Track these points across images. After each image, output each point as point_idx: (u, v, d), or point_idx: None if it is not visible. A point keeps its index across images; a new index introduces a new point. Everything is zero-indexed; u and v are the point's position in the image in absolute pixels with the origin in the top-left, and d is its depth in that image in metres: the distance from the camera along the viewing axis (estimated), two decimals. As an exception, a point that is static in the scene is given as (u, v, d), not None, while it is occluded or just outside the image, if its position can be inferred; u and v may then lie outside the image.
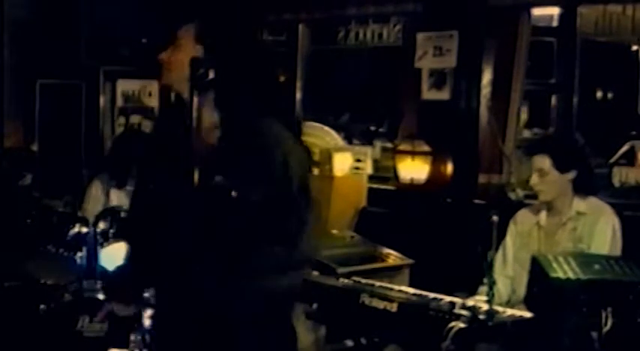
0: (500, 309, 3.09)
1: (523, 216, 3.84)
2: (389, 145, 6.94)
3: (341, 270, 4.26)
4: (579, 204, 3.67)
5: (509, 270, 3.78)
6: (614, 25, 6.49)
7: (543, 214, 3.75)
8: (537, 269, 2.96)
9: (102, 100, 7.69)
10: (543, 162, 3.63)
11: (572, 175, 3.65)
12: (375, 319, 3.26)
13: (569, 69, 5.89)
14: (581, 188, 3.70)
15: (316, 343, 4.03)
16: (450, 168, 5.97)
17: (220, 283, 2.21)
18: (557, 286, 2.85)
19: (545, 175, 3.63)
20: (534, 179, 3.66)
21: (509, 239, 3.81)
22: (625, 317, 2.82)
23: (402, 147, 6.11)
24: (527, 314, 3.06)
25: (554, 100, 6.07)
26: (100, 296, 4.42)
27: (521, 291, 3.51)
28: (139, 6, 7.10)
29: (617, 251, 3.59)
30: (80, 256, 4.77)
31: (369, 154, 6.71)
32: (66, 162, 7.37)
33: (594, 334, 2.80)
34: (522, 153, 4.84)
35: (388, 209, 6.10)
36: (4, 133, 7.37)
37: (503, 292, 3.64)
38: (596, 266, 2.92)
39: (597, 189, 4.02)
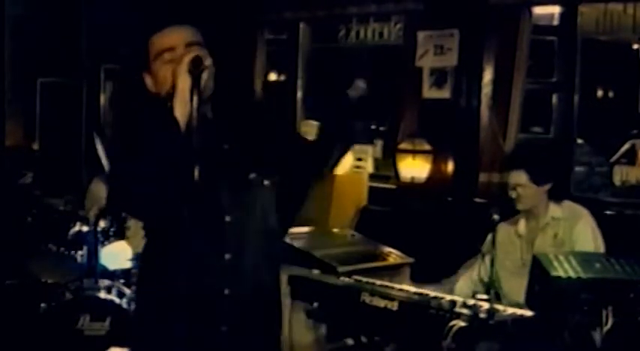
0: (500, 307, 3.09)
1: (503, 228, 3.87)
2: (390, 143, 6.94)
3: (342, 268, 4.26)
4: (555, 209, 3.79)
5: (483, 275, 3.82)
6: (614, 24, 6.47)
7: (522, 223, 3.87)
8: (538, 268, 2.96)
9: (102, 98, 7.69)
10: (520, 177, 3.76)
11: (548, 186, 3.78)
12: (376, 318, 3.27)
13: (570, 68, 5.88)
14: (556, 196, 3.83)
15: (317, 342, 4.03)
16: (450, 167, 5.97)
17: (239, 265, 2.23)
18: (558, 285, 2.86)
19: (523, 188, 3.75)
20: (513, 194, 3.78)
21: (486, 248, 3.83)
22: (626, 316, 2.82)
23: (403, 146, 6.11)
24: (528, 313, 3.06)
25: (554, 98, 6.06)
26: (101, 295, 4.43)
27: (512, 296, 3.54)
28: (139, 4, 7.10)
29: (601, 251, 3.65)
30: (81, 254, 4.79)
31: (369, 153, 6.71)
32: (66, 161, 7.38)
33: (595, 333, 2.80)
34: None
35: (389, 208, 6.10)
36: (5, 131, 7.38)
37: (467, 291, 3.71)
38: (597, 265, 2.92)
39: (596, 188, 4.09)
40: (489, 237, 3.82)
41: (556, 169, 4.00)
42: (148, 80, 2.24)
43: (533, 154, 4.18)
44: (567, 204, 3.83)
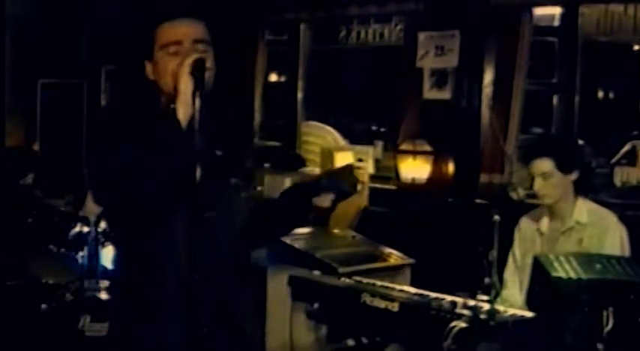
0: (501, 308, 3.09)
1: (525, 222, 3.80)
2: (390, 144, 6.94)
3: (342, 269, 4.27)
4: (581, 212, 3.61)
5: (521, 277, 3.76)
6: (615, 25, 6.48)
7: (545, 221, 3.70)
8: (539, 269, 2.96)
9: (103, 99, 7.69)
10: (546, 165, 3.55)
11: (574, 175, 3.60)
12: (377, 319, 3.27)
13: (571, 69, 5.88)
14: (583, 189, 3.67)
15: (317, 343, 4.03)
16: (451, 167, 5.97)
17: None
18: (559, 286, 2.85)
19: (548, 177, 3.54)
20: (538, 183, 3.56)
21: (516, 247, 3.79)
22: (626, 317, 2.82)
23: (404, 147, 6.11)
24: (529, 314, 3.06)
25: (555, 99, 6.06)
26: (102, 296, 4.43)
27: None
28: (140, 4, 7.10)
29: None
30: (81, 255, 4.79)
31: (370, 154, 6.71)
32: (67, 161, 7.38)
33: (596, 334, 2.80)
34: (519, 158, 4.74)
35: (390, 209, 6.10)
36: (6, 132, 7.38)
37: (518, 298, 3.59)
38: (598, 266, 2.92)
39: (597, 189, 3.98)
40: (515, 235, 3.81)
41: (582, 156, 3.74)
42: (149, 68, 2.27)
43: (558, 140, 3.93)
44: (595, 208, 3.65)
